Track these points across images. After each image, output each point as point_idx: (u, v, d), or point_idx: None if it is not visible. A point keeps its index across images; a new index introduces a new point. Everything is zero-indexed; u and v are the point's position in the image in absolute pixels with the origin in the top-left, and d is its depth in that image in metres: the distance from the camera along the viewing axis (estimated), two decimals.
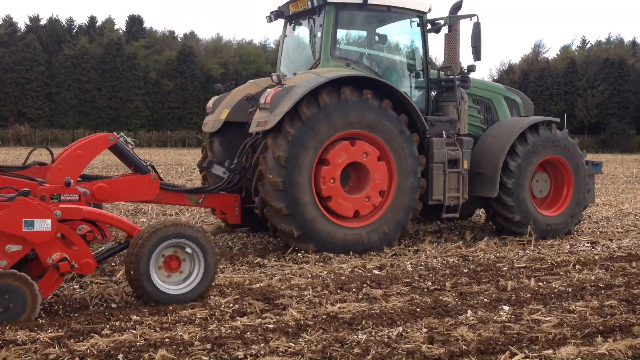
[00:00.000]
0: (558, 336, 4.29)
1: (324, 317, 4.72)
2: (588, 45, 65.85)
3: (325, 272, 6.38)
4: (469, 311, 4.90)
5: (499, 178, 8.21)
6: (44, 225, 4.57)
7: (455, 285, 5.82)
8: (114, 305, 5.03)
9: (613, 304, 5.11)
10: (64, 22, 58.90)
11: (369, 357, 3.87)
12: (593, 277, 6.17)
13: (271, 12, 8.79)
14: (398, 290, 5.57)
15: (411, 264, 6.76)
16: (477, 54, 8.47)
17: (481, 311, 4.93)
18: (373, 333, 4.36)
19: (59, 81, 53.34)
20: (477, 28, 8.41)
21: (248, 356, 3.88)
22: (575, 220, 8.89)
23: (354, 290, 5.55)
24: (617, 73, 56.80)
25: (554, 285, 5.83)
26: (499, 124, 8.93)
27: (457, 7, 8.80)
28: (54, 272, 4.68)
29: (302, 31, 8.74)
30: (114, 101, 54.78)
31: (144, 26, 63.60)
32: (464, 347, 4.05)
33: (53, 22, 57.50)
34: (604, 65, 56.95)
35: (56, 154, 6.47)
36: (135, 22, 62.53)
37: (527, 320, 4.67)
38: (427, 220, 9.80)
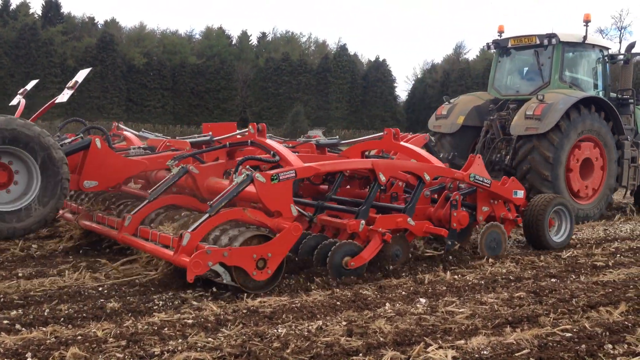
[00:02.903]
0: (470, 327, 4.45)
1: (245, 311, 4.69)
2: None
3: None
4: (387, 304, 5.01)
5: None
6: (520, 194, 7.24)
7: (375, 279, 5.92)
8: (20, 302, 4.80)
9: (522, 296, 5.35)
10: None
11: (288, 351, 3.88)
12: (504, 270, 6.45)
13: (488, 43, 11.69)
14: (319, 284, 5.61)
15: None
16: None
17: (399, 304, 5.05)
18: (293, 327, 4.37)
19: None
20: None
21: (165, 352, 3.80)
22: None
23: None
24: None
25: (468, 278, 6.04)
26: None
27: (632, 46, 11.77)
28: (510, 223, 7.22)
29: (518, 59, 11.65)
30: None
31: (61, 11, 60.93)
32: (381, 339, 4.13)
33: None
34: None
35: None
36: (52, 6, 59.80)
37: (442, 312, 4.82)
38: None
